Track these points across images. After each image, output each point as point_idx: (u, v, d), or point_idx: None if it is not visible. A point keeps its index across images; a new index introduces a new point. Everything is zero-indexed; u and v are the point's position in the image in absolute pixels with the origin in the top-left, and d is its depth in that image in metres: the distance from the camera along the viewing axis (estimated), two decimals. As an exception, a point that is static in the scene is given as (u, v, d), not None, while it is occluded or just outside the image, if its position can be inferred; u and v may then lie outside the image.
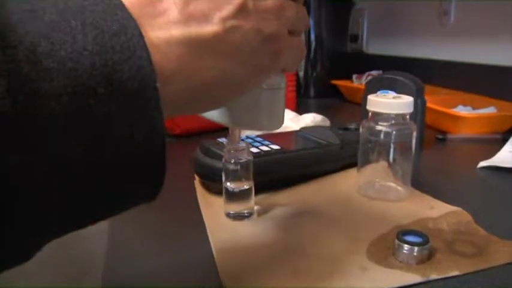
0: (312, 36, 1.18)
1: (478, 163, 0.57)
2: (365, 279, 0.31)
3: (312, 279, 0.31)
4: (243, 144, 0.40)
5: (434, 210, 0.42)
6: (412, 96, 0.62)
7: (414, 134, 0.46)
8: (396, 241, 0.34)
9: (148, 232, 0.40)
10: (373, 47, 1.31)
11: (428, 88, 0.71)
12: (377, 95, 0.47)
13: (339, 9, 1.21)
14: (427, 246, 0.33)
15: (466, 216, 0.40)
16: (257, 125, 0.33)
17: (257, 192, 0.45)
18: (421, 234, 0.34)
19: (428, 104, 0.74)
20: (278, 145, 0.49)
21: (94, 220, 0.21)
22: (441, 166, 0.60)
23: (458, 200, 0.44)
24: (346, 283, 0.30)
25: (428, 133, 0.74)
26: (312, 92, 1.20)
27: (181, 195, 0.47)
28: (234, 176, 0.41)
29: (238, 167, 0.40)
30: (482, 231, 0.38)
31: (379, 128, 0.45)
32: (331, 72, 1.19)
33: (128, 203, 0.22)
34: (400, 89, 0.64)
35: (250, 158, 0.40)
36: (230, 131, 0.38)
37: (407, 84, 0.64)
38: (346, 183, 0.49)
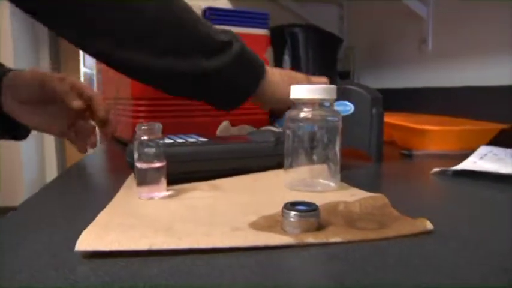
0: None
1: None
2: (227, 235, 0.29)
3: (177, 237, 0.28)
4: (155, 124, 0.40)
5: (353, 197, 0.40)
6: (367, 106, 0.61)
7: (340, 123, 0.44)
8: (283, 209, 0.31)
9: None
10: (364, 82, 1.31)
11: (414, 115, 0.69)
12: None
13: (327, 46, 1.22)
14: (313, 213, 0.31)
15: (382, 200, 0.38)
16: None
17: (181, 182, 0.44)
18: (311, 205, 0.32)
19: (394, 121, 0.73)
20: (207, 138, 0.48)
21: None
22: (397, 174, 0.57)
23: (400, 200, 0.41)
24: (206, 240, 0.28)
25: (394, 150, 0.72)
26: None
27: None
28: (146, 156, 0.40)
29: (151, 146, 0.39)
30: (395, 212, 0.35)
31: (302, 114, 0.44)
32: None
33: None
34: (355, 100, 0.63)
35: (161, 136, 0.40)
36: None
37: (362, 93, 0.63)
38: (276, 178, 0.47)
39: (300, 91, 0.44)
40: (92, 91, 0.61)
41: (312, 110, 0.43)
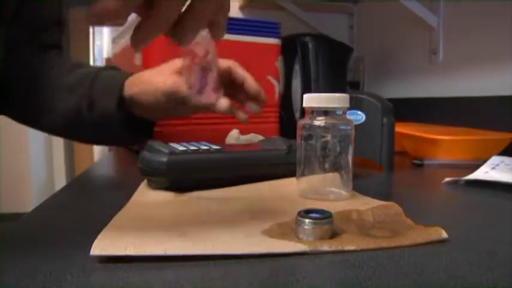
0: (310, 82, 1.19)
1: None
2: (242, 242, 0.29)
3: (191, 242, 0.29)
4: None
5: (366, 206, 0.39)
6: (379, 115, 0.61)
7: (352, 132, 0.44)
8: (297, 217, 0.31)
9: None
10: (374, 92, 1.31)
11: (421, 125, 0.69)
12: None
13: (338, 55, 1.23)
14: (327, 220, 0.31)
15: (395, 208, 0.37)
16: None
17: (192, 189, 0.44)
18: (325, 212, 0.32)
19: (405, 130, 0.73)
20: (219, 146, 0.48)
21: None
22: (408, 184, 0.57)
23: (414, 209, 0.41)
24: (221, 247, 0.28)
25: (406, 159, 0.72)
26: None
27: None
28: None
29: None
30: (409, 221, 0.35)
31: (315, 123, 0.44)
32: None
33: None
34: (366, 109, 0.63)
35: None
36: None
37: (373, 103, 0.63)
38: (289, 186, 0.47)
39: (313, 99, 0.44)
40: (241, 70, 0.61)
41: (325, 119, 0.44)
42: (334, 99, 0.43)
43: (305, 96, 0.44)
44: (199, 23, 0.30)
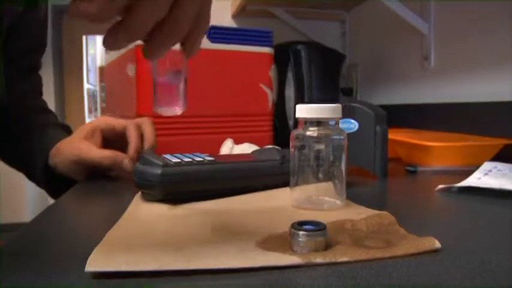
0: (304, 89, 1.20)
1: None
2: (236, 256, 0.29)
3: (186, 258, 0.29)
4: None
5: (360, 215, 0.40)
6: (372, 123, 0.62)
7: (345, 142, 0.44)
8: (291, 229, 0.32)
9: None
10: (367, 99, 1.32)
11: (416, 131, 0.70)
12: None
13: (330, 63, 1.23)
14: (321, 232, 0.31)
15: (388, 218, 0.38)
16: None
17: (187, 201, 0.44)
18: (319, 224, 0.32)
19: (398, 137, 0.73)
20: (213, 157, 0.48)
21: None
22: (402, 191, 0.57)
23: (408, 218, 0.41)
24: (215, 261, 0.28)
25: (399, 166, 0.72)
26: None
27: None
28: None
29: None
30: (402, 231, 0.35)
31: (308, 133, 0.44)
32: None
33: None
34: (359, 117, 0.64)
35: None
36: None
37: (366, 111, 0.63)
38: (282, 196, 0.47)
39: (306, 110, 0.44)
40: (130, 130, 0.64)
41: (318, 129, 0.44)
42: (327, 110, 0.43)
43: (298, 106, 0.45)
44: (176, 34, 0.29)
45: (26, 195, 3.44)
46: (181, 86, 0.34)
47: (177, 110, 0.35)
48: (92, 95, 4.21)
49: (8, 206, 2.80)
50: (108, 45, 0.28)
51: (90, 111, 6.14)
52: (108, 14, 0.26)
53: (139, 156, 0.50)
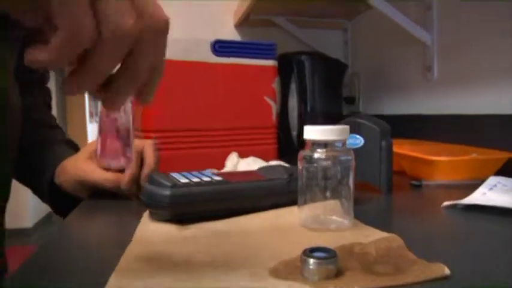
0: (307, 100, 1.20)
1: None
2: (248, 285, 0.29)
3: (194, 280, 0.29)
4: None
5: (368, 238, 0.40)
6: (377, 139, 0.62)
7: (352, 162, 0.45)
8: (302, 256, 0.32)
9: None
10: (369, 108, 1.32)
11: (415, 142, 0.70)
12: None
13: (333, 72, 1.24)
14: (331, 260, 0.31)
15: (397, 241, 0.38)
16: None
17: (195, 221, 0.45)
18: (329, 251, 0.32)
19: (403, 151, 0.73)
20: (221, 176, 0.49)
21: None
22: (408, 208, 0.58)
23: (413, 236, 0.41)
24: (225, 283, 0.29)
25: (404, 180, 0.72)
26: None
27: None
28: None
29: None
30: (411, 255, 0.36)
31: (316, 155, 0.45)
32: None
33: None
34: (365, 133, 0.64)
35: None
36: None
37: (371, 127, 0.64)
38: (290, 216, 0.48)
39: (313, 132, 0.44)
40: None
41: (326, 150, 0.44)
42: (335, 132, 0.44)
43: (305, 128, 0.45)
44: (132, 83, 0.30)
45: (27, 201, 3.44)
46: (130, 139, 0.35)
47: (123, 164, 0.36)
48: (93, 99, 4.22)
49: (10, 212, 2.80)
50: (66, 92, 0.28)
51: (91, 116, 6.15)
52: (58, 63, 0.27)
53: (148, 176, 0.50)
